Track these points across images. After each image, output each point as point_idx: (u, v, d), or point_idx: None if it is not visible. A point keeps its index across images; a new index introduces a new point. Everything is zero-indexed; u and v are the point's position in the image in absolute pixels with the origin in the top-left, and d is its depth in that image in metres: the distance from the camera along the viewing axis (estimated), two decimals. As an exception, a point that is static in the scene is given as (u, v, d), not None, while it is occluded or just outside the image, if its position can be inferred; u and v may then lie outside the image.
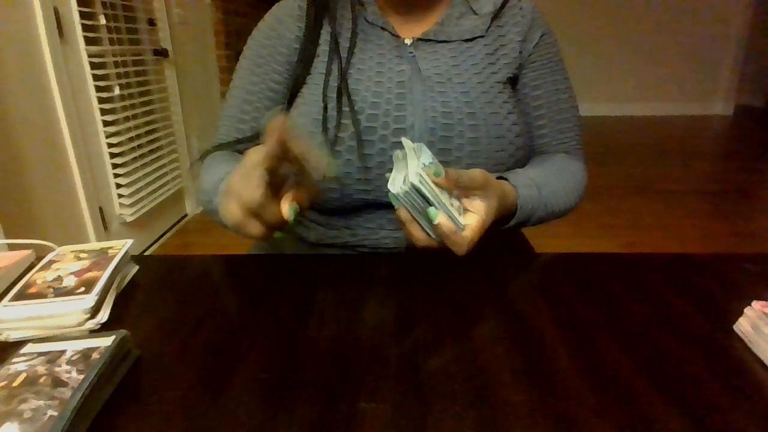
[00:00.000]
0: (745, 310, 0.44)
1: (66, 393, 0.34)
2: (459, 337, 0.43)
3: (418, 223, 0.50)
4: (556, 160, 0.72)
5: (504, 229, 0.62)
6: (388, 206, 0.67)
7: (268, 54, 0.70)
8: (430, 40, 0.68)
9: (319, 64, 0.67)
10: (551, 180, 0.66)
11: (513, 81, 0.71)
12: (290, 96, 0.69)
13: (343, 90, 0.64)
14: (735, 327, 0.44)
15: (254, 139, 0.72)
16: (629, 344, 0.42)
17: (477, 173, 0.51)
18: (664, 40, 5.46)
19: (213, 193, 0.61)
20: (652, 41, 5.47)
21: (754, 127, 5.03)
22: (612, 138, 4.59)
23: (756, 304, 0.43)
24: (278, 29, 0.70)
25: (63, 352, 0.39)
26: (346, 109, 0.64)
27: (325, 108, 0.65)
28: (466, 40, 0.68)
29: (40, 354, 0.39)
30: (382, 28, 0.68)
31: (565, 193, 0.67)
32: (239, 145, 0.73)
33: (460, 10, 0.69)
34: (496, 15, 0.69)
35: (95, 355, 0.38)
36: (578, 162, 0.74)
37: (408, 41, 0.68)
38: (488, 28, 0.68)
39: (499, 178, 0.61)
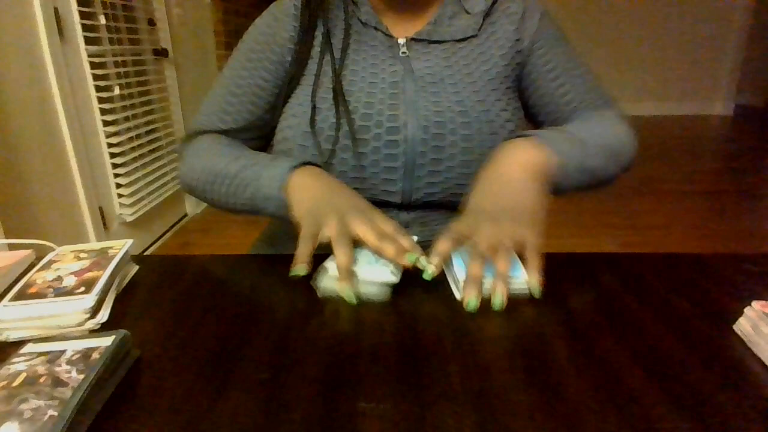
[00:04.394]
0: (745, 310, 0.44)
1: (66, 393, 0.34)
2: (459, 337, 0.43)
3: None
4: (579, 116, 0.72)
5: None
6: (383, 205, 0.67)
7: (261, 51, 0.70)
8: (423, 40, 0.68)
9: (313, 65, 0.68)
10: (572, 125, 0.67)
11: (519, 69, 0.71)
12: (285, 96, 0.70)
13: (337, 90, 0.65)
14: (735, 327, 0.44)
15: (237, 131, 0.72)
16: (629, 344, 0.42)
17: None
18: (664, 40, 5.45)
19: (254, 169, 0.62)
20: (652, 41, 5.47)
21: (754, 127, 5.03)
22: (612, 138, 4.58)
23: (756, 304, 0.43)
24: (274, 27, 0.70)
25: (63, 352, 0.39)
26: (341, 108, 0.64)
27: (314, 108, 0.65)
28: (459, 41, 0.68)
29: (40, 354, 0.39)
30: (375, 29, 0.68)
31: (596, 128, 0.67)
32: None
33: (453, 10, 0.69)
34: (488, 13, 0.69)
35: (95, 355, 0.38)
36: (610, 110, 0.73)
37: (401, 41, 0.68)
38: (480, 27, 0.69)
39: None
